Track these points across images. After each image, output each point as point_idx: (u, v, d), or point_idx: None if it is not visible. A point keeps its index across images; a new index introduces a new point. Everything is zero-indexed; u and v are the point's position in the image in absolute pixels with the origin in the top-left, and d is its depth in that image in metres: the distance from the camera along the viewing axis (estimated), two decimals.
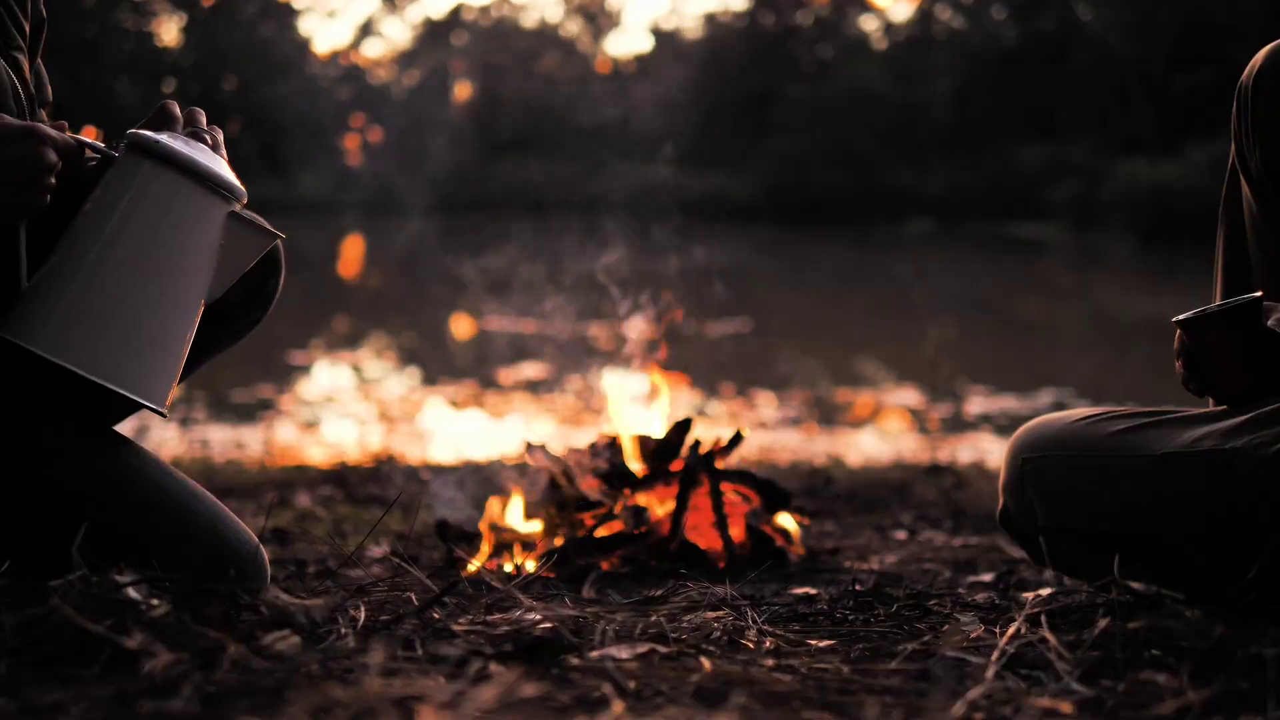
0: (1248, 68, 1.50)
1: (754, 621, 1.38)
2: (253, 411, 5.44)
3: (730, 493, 2.23)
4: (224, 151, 1.39)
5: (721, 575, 1.95)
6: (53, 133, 1.29)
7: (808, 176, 25.33)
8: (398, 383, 6.89)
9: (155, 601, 1.13)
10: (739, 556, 2.14)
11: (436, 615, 1.31)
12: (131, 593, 1.14)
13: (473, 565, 2.01)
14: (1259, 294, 1.38)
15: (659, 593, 1.63)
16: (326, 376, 7.04)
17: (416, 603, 1.36)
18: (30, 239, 1.35)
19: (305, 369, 7.15)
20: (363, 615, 1.26)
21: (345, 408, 5.82)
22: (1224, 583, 1.34)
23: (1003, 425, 5.34)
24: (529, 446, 2.31)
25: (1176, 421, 1.43)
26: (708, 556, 2.14)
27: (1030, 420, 1.61)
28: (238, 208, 1.36)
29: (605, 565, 2.07)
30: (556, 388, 6.08)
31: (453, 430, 5.10)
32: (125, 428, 1.61)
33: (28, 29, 1.42)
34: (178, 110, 1.38)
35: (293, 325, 8.28)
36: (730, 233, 19.25)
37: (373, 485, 3.21)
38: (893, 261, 18.04)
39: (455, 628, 1.23)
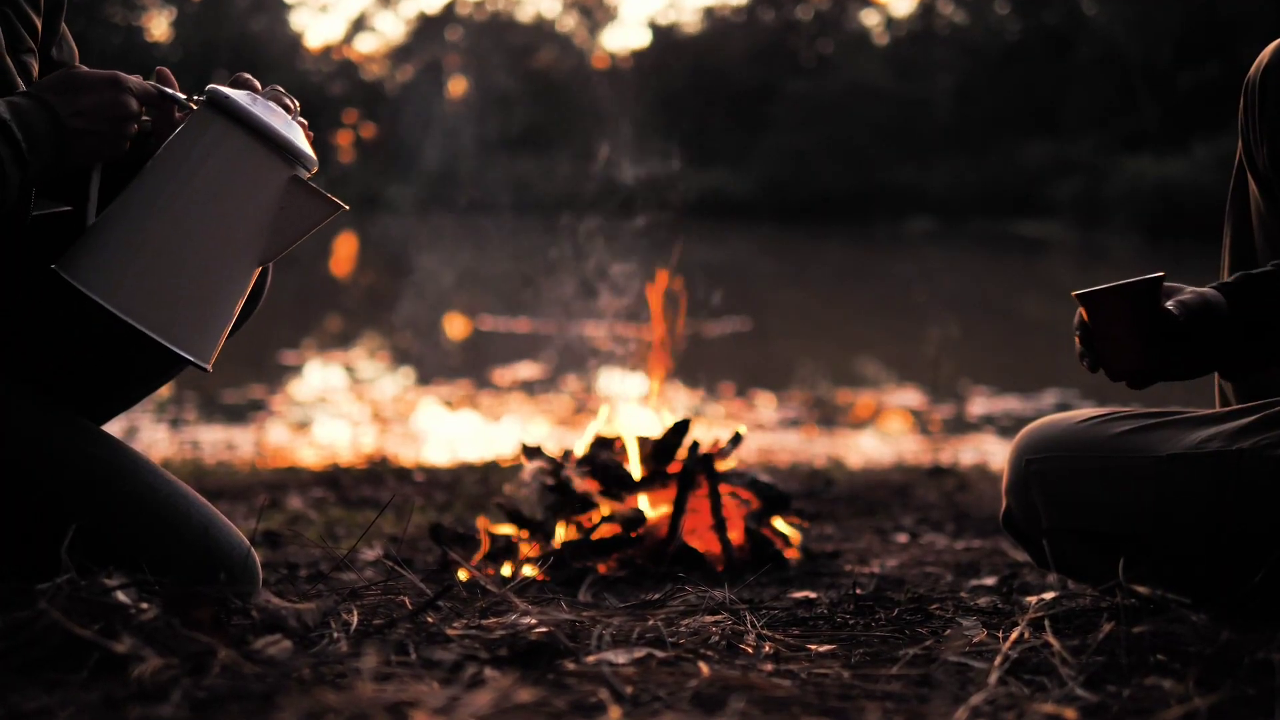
0: (1255, 63, 1.49)
1: (753, 626, 1.37)
2: (244, 412, 5.43)
3: (729, 495, 2.21)
4: (304, 123, 1.41)
5: (720, 579, 1.94)
6: (134, 81, 1.32)
7: (808, 173, 25.34)
8: (391, 383, 6.88)
9: (145, 605, 1.12)
10: (738, 560, 2.13)
11: (430, 619, 1.29)
12: (120, 596, 1.13)
13: (466, 569, 1.99)
14: (1161, 274, 1.37)
15: (656, 597, 1.62)
16: (319, 377, 7.03)
17: (410, 606, 1.35)
18: (102, 182, 1.38)
19: (297, 369, 7.14)
20: (355, 619, 1.25)
21: (338, 408, 5.81)
22: (1230, 586, 1.33)
23: (1006, 426, 5.33)
24: (525, 448, 2.29)
25: (1182, 423, 1.42)
26: (706, 560, 2.12)
27: (1034, 421, 1.59)
28: (305, 175, 1.37)
29: (602, 569, 2.05)
30: (552, 388, 6.07)
31: (447, 431, 5.08)
32: (114, 428, 1.60)
33: (39, 25, 1.41)
34: (254, 79, 1.41)
35: (284, 324, 8.27)
36: (729, 230, 19.25)
37: (366, 487, 3.20)
38: (894, 260, 18.05)
39: (449, 632, 1.22)
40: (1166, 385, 1.43)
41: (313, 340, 8.47)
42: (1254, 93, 1.48)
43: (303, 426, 5.20)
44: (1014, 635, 1.24)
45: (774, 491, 2.25)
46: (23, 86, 1.37)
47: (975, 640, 1.28)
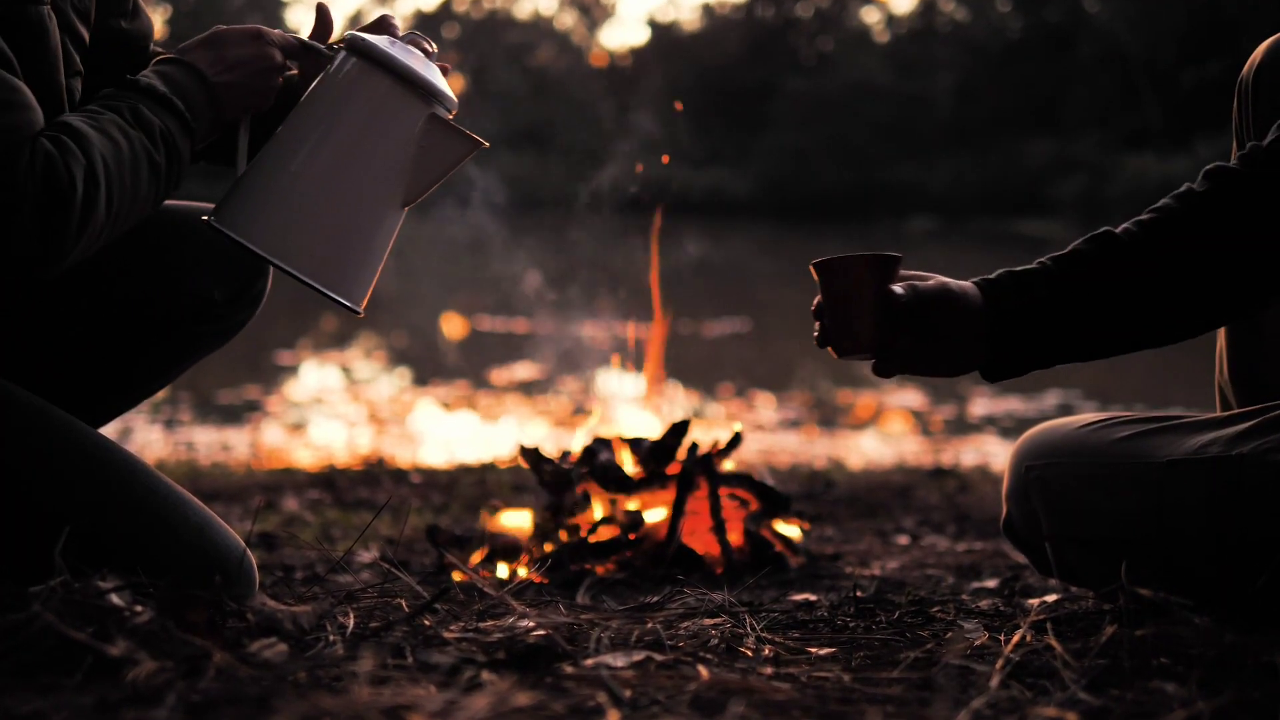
0: (1248, 62, 1.48)
1: (752, 629, 1.35)
2: (239, 413, 5.42)
3: (728, 497, 2.20)
4: (446, 66, 1.45)
5: (719, 581, 1.93)
6: (276, 34, 1.38)
7: (808, 172, 25.32)
8: (388, 383, 6.87)
9: (139, 608, 1.11)
10: (737, 562, 2.12)
11: (427, 622, 1.28)
12: (115, 599, 1.12)
13: (463, 572, 1.98)
14: (899, 255, 1.36)
15: (655, 599, 1.60)
16: (315, 377, 7.02)
17: (407, 609, 1.34)
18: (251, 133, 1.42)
19: (293, 369, 7.13)
20: (352, 622, 1.23)
21: (334, 409, 5.79)
22: (1232, 591, 1.32)
23: (1007, 427, 5.32)
24: (522, 449, 2.28)
25: (1182, 427, 1.40)
26: (705, 562, 2.11)
27: (1034, 426, 1.58)
28: (444, 114, 1.40)
29: (600, 571, 2.04)
30: (550, 389, 6.05)
31: (444, 432, 5.07)
32: (109, 430, 1.59)
33: (87, 37, 1.41)
34: (397, 21, 1.45)
35: (280, 325, 8.25)
36: (729, 229, 19.23)
37: (362, 489, 3.19)
38: None
39: (446, 635, 1.21)
40: (1167, 388, 1.41)
41: (308, 340, 8.45)
42: (1247, 91, 1.47)
43: (298, 427, 5.19)
44: (1016, 638, 1.23)
45: (774, 493, 2.24)
46: (68, 109, 1.36)
47: (977, 643, 1.27)
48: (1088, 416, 1.52)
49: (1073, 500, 1.46)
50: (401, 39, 1.43)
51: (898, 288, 1.33)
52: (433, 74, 1.41)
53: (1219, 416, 1.41)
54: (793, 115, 26.53)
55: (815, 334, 1.40)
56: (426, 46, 1.43)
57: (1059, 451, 1.48)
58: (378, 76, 1.37)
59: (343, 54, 1.40)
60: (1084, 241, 1.36)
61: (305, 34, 1.48)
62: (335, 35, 1.49)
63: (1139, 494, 1.39)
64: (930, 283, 1.35)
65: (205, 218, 1.38)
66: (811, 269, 1.37)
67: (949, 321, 1.33)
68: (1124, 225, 1.36)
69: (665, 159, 2.41)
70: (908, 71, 28.17)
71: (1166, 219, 1.33)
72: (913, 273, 1.38)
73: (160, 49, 1.56)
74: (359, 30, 1.44)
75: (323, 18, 1.47)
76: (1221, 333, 1.56)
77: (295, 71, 1.46)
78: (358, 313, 1.39)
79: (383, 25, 1.44)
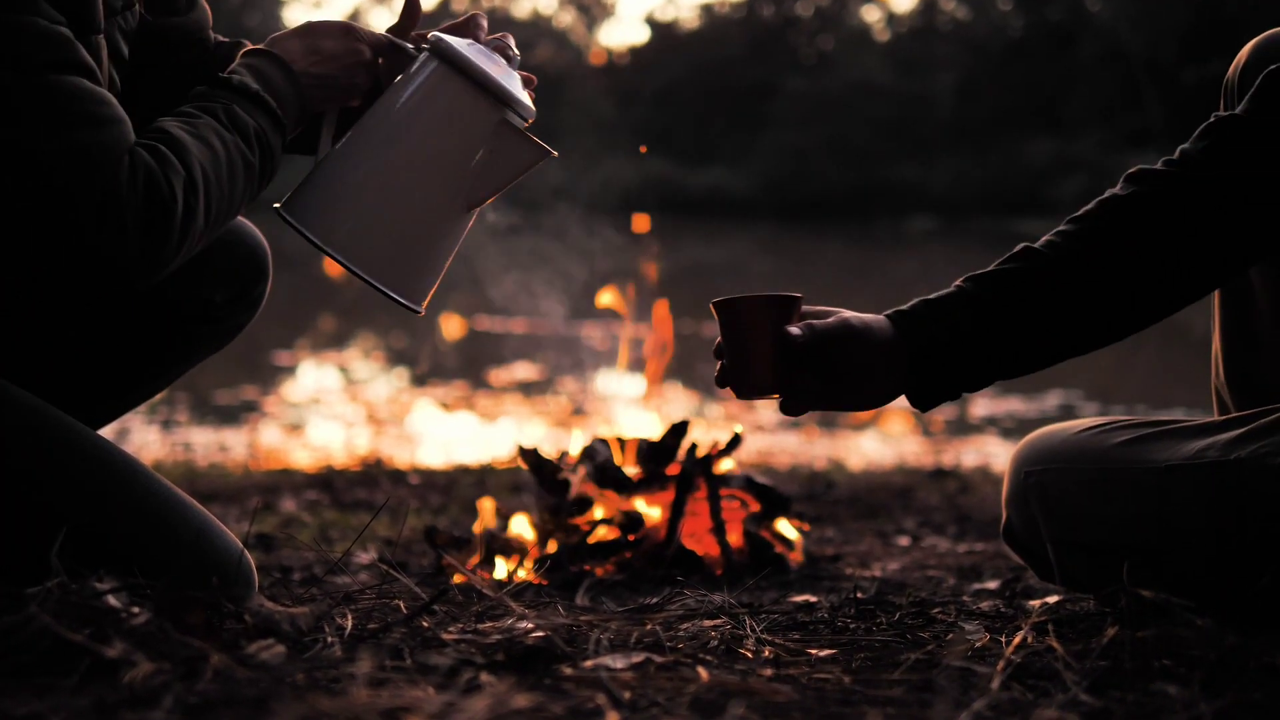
0: (1234, 62, 1.48)
1: (752, 630, 1.35)
2: (237, 414, 5.41)
3: (728, 498, 2.20)
4: (531, 79, 1.46)
5: (719, 582, 1.93)
6: (366, 31, 1.40)
7: (808, 171, 25.31)
8: (386, 384, 6.87)
9: (136, 610, 1.11)
10: (737, 563, 2.12)
11: (425, 624, 1.28)
12: (112, 600, 1.12)
13: (462, 573, 1.98)
14: (800, 295, 1.36)
15: (654, 600, 1.60)
16: (312, 377, 7.01)
17: (405, 611, 1.34)
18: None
19: (291, 370, 7.13)
20: (350, 624, 1.23)
21: (332, 410, 5.79)
22: (1232, 595, 1.31)
23: (1008, 428, 5.32)
24: (521, 450, 2.27)
25: (1180, 432, 1.40)
26: (705, 563, 2.11)
27: (1034, 431, 1.58)
28: (518, 121, 1.41)
29: (599, 572, 2.04)
30: (549, 389, 6.05)
31: (443, 433, 5.07)
32: (107, 431, 1.59)
33: (128, 53, 1.42)
34: (485, 23, 1.45)
35: (278, 325, 8.25)
36: (728, 229, 19.24)
37: (360, 490, 3.19)
38: (895, 259, 18.03)
39: (445, 636, 1.21)
40: (1168, 389, 1.41)
41: (306, 340, 8.45)
42: (1233, 91, 1.47)
43: (296, 428, 5.18)
44: (1017, 639, 1.23)
45: (774, 494, 2.24)
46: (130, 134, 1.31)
47: (978, 644, 1.27)
48: (1086, 421, 1.51)
49: (1072, 505, 1.45)
50: (485, 42, 1.43)
51: (794, 328, 1.33)
52: (510, 81, 1.41)
53: (1216, 421, 1.40)
54: (793, 115, 26.51)
55: (715, 374, 1.40)
56: (510, 53, 1.44)
57: (1058, 457, 1.48)
58: (455, 80, 1.38)
59: (424, 55, 1.41)
60: (1004, 260, 1.36)
61: (393, 23, 1.48)
62: (420, 29, 1.49)
63: (1138, 499, 1.38)
64: (830, 320, 1.35)
65: (276, 206, 1.40)
66: (711, 308, 1.37)
67: (848, 359, 1.33)
68: (1044, 238, 1.36)
69: (643, 149, 2.40)
70: (908, 70, 28.15)
71: (1090, 228, 1.34)
72: (816, 309, 1.38)
73: (221, 37, 1.57)
74: (445, 29, 1.44)
75: (410, 10, 1.47)
76: (1217, 336, 1.56)
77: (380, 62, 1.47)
78: (417, 312, 1.41)
79: (469, 26, 1.44)
